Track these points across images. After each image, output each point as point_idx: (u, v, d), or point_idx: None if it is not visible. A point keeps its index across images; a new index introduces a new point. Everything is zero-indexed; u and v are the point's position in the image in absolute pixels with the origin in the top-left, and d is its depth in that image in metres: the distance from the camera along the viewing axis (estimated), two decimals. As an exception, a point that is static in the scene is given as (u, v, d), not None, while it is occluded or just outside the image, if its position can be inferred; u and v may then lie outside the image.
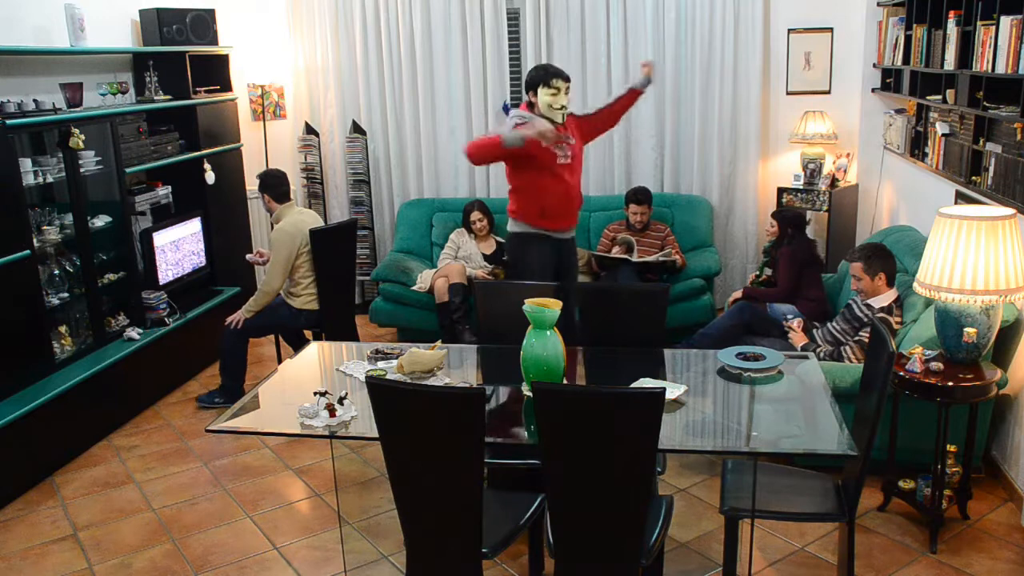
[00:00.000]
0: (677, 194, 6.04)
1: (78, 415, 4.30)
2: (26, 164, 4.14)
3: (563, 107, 4.13)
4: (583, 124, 4.38)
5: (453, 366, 3.35)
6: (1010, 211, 3.21)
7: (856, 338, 3.93)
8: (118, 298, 4.92)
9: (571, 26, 5.98)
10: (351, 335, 5.07)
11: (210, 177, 5.55)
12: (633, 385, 2.86)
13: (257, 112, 6.32)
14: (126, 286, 4.92)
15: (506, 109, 6.14)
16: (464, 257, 5.60)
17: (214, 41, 5.59)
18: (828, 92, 5.92)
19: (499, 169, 6.25)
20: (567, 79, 4.14)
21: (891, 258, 3.93)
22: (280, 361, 5.00)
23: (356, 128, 6.35)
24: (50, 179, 4.31)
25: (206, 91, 5.59)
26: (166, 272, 5.18)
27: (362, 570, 3.30)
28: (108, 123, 4.67)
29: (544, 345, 2.76)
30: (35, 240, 4.17)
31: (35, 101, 4.20)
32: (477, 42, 6.05)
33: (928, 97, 4.52)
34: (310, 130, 6.43)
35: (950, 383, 3.20)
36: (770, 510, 2.88)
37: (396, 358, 3.24)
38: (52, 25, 4.62)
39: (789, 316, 4.43)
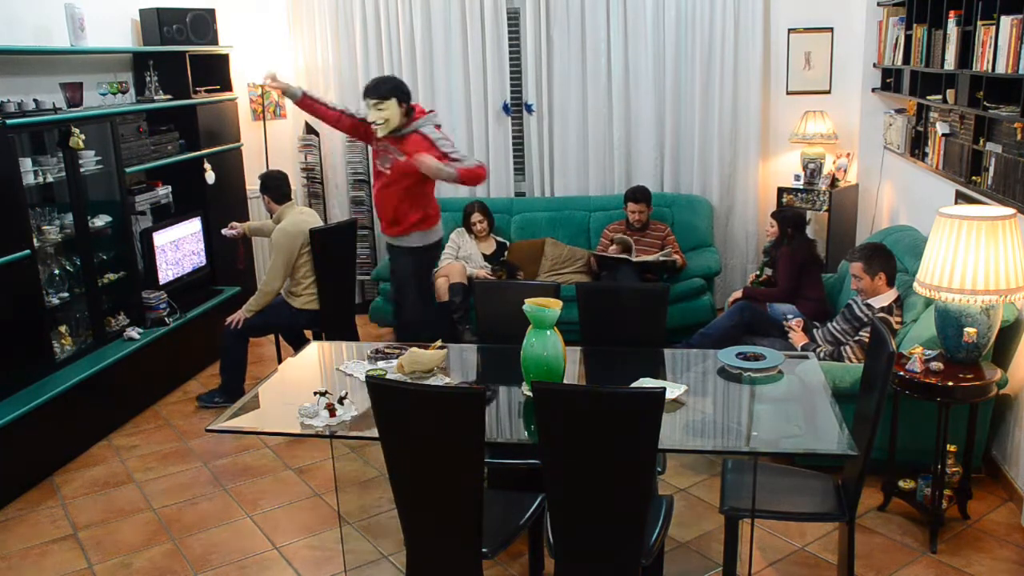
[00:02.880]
0: (677, 194, 6.04)
1: (78, 415, 4.30)
2: (26, 164, 4.14)
3: (375, 123, 4.19)
4: (432, 151, 4.20)
5: (453, 366, 3.35)
6: (1010, 211, 3.21)
7: (856, 338, 3.93)
8: (118, 298, 4.92)
9: (571, 26, 5.98)
10: (351, 335, 5.07)
11: (210, 177, 5.55)
12: (633, 385, 2.86)
13: (257, 112, 6.31)
14: (126, 286, 4.92)
15: (506, 109, 6.15)
16: (464, 257, 5.60)
17: (214, 41, 5.59)
18: (828, 92, 5.91)
19: (499, 169, 6.28)
20: (377, 98, 4.14)
21: (891, 258, 3.93)
22: (280, 361, 4.99)
23: (356, 128, 6.34)
24: (50, 179, 4.30)
25: (206, 91, 5.59)
26: (166, 272, 5.17)
27: (362, 570, 3.30)
28: (108, 123, 4.67)
29: (544, 345, 2.76)
30: (35, 240, 4.16)
31: (35, 101, 4.20)
32: (477, 42, 6.05)
33: (928, 97, 4.52)
34: (310, 130, 6.42)
35: (950, 383, 3.20)
36: (770, 510, 2.88)
37: (396, 358, 3.24)
38: (52, 25, 4.62)
39: (789, 316, 4.43)
